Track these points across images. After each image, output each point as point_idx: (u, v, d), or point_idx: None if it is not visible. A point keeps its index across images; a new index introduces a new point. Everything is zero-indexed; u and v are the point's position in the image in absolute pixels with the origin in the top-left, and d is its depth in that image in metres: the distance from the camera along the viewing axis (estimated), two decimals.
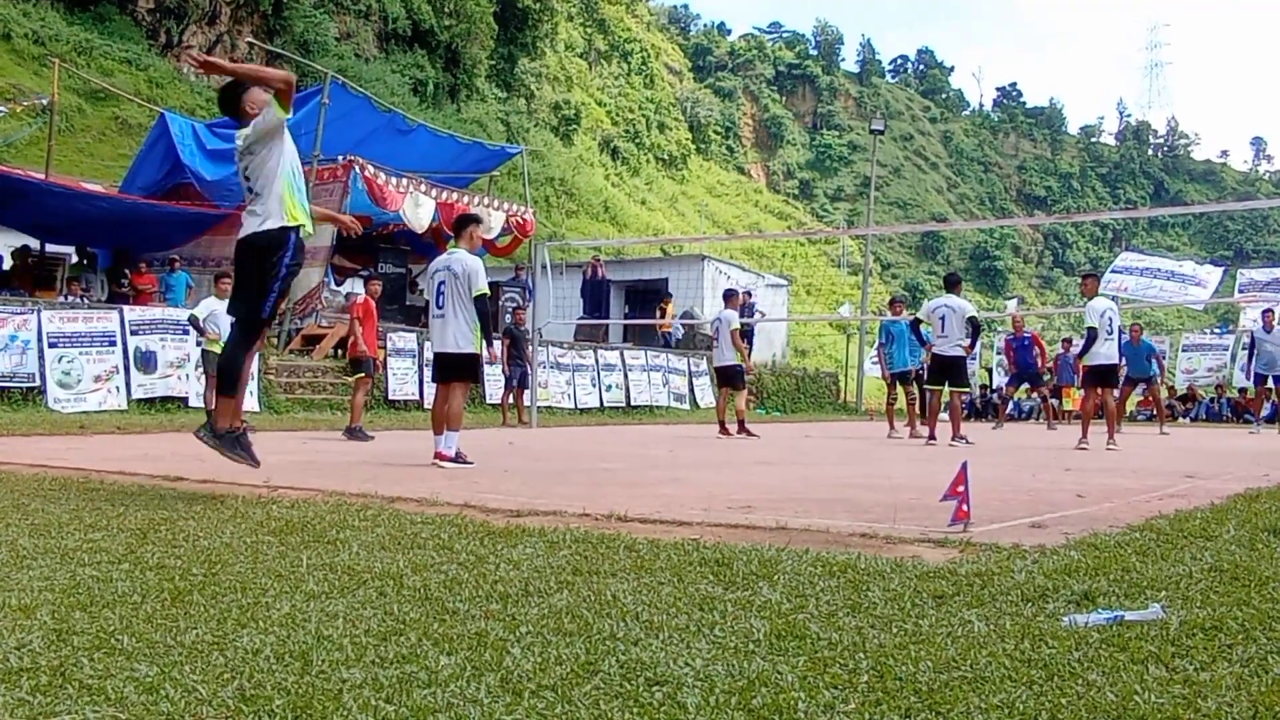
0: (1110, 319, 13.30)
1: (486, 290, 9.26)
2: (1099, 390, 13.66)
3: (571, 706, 2.31)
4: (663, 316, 28.61)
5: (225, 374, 6.87)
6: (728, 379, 16.27)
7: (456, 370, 9.35)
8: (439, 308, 9.28)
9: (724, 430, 15.65)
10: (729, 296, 16.32)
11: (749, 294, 30.64)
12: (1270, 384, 20.12)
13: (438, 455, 9.08)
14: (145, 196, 21.03)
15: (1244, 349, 21.86)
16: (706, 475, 8.61)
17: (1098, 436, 13.31)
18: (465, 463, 8.99)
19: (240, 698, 2.34)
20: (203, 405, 15.35)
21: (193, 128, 20.71)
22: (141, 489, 6.53)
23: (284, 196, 6.31)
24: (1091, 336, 13.33)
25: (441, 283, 9.24)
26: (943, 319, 13.94)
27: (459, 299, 9.16)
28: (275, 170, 6.26)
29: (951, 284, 14.67)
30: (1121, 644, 2.82)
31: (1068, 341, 21.14)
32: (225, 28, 37.23)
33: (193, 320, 14.96)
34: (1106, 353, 13.26)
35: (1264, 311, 21.31)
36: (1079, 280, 14.79)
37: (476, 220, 9.79)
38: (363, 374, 14.37)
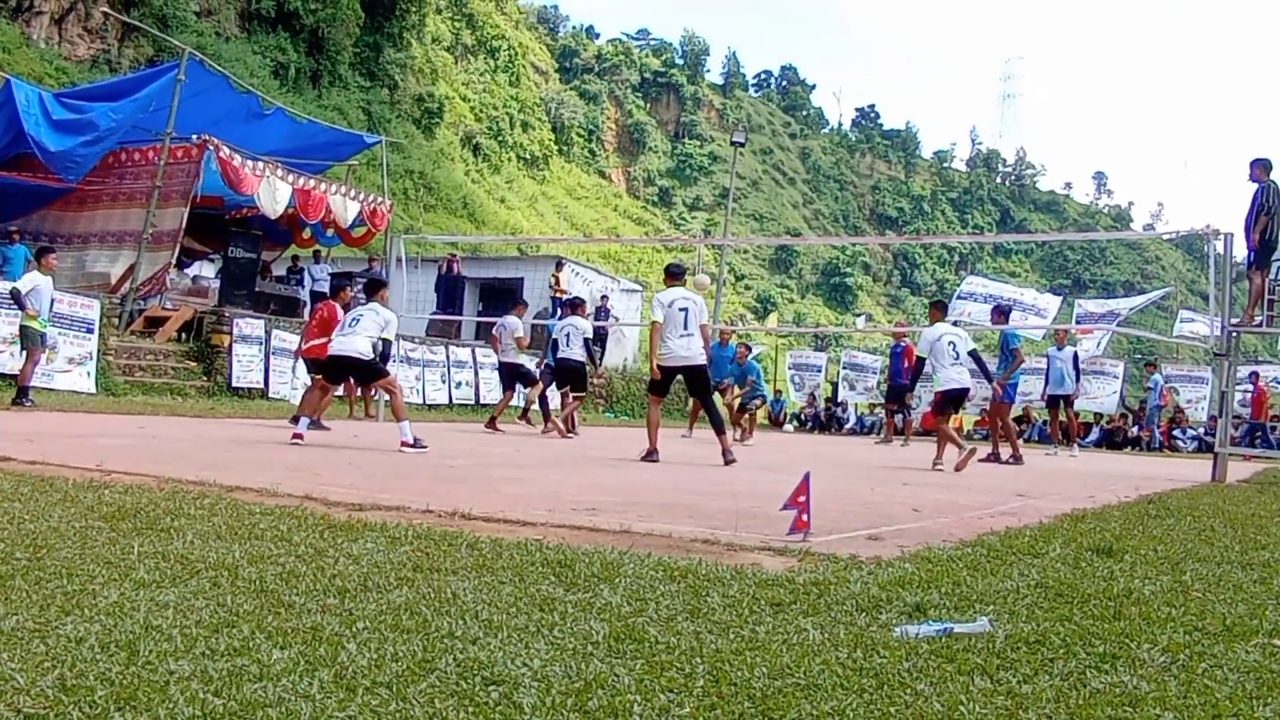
0: (953, 344, 12.88)
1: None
2: (952, 413, 13.81)
3: (406, 704, 2.29)
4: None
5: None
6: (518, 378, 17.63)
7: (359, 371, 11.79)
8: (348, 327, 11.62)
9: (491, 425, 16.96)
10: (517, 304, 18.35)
11: (604, 297, 30.74)
12: (1061, 406, 20.21)
13: (402, 443, 10.70)
14: None
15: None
16: (552, 476, 8.62)
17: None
18: (421, 447, 10.58)
19: (61, 687, 2.27)
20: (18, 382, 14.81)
21: (40, 96, 19.89)
22: None
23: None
24: (919, 364, 13.60)
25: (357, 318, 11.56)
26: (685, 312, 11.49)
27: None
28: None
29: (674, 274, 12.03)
30: (950, 655, 2.90)
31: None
32: None
33: (14, 294, 14.49)
34: (955, 377, 12.89)
35: (1058, 330, 21.85)
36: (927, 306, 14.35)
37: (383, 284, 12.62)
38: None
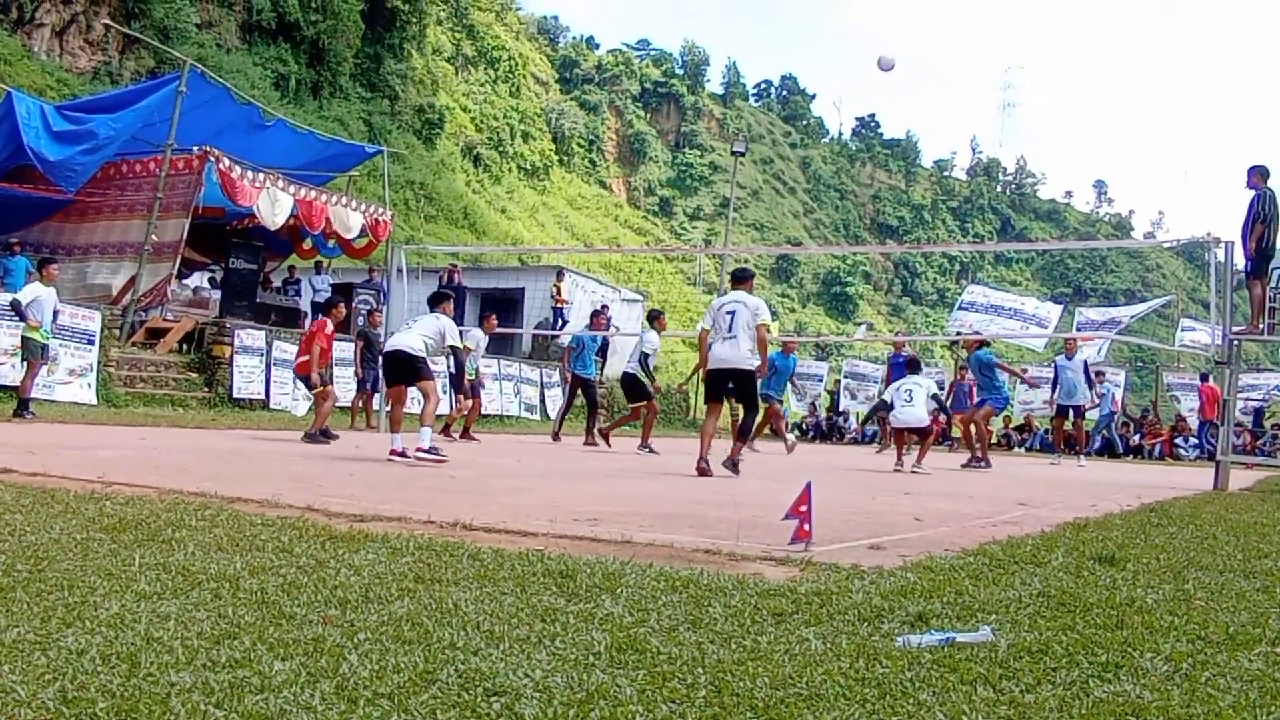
0: (910, 392, 14.25)
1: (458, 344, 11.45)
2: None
3: (408, 715, 2.29)
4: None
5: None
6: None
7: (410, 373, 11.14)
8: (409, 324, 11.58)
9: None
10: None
11: (604, 307, 30.76)
12: (1070, 416, 19.97)
13: (393, 452, 10.58)
14: None
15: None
16: (553, 486, 8.61)
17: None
18: (439, 458, 10.41)
19: (62, 700, 2.26)
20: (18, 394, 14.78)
21: (40, 108, 19.94)
22: None
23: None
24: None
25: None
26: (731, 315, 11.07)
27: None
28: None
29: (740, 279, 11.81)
30: (952, 665, 2.90)
31: (964, 369, 21.46)
32: (81, 8, 35.86)
33: (15, 305, 14.46)
34: (903, 417, 14.34)
35: (1067, 339, 21.79)
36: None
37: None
38: (323, 386, 14.37)
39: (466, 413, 17.33)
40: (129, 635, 2.79)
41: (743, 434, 11.46)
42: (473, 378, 17.23)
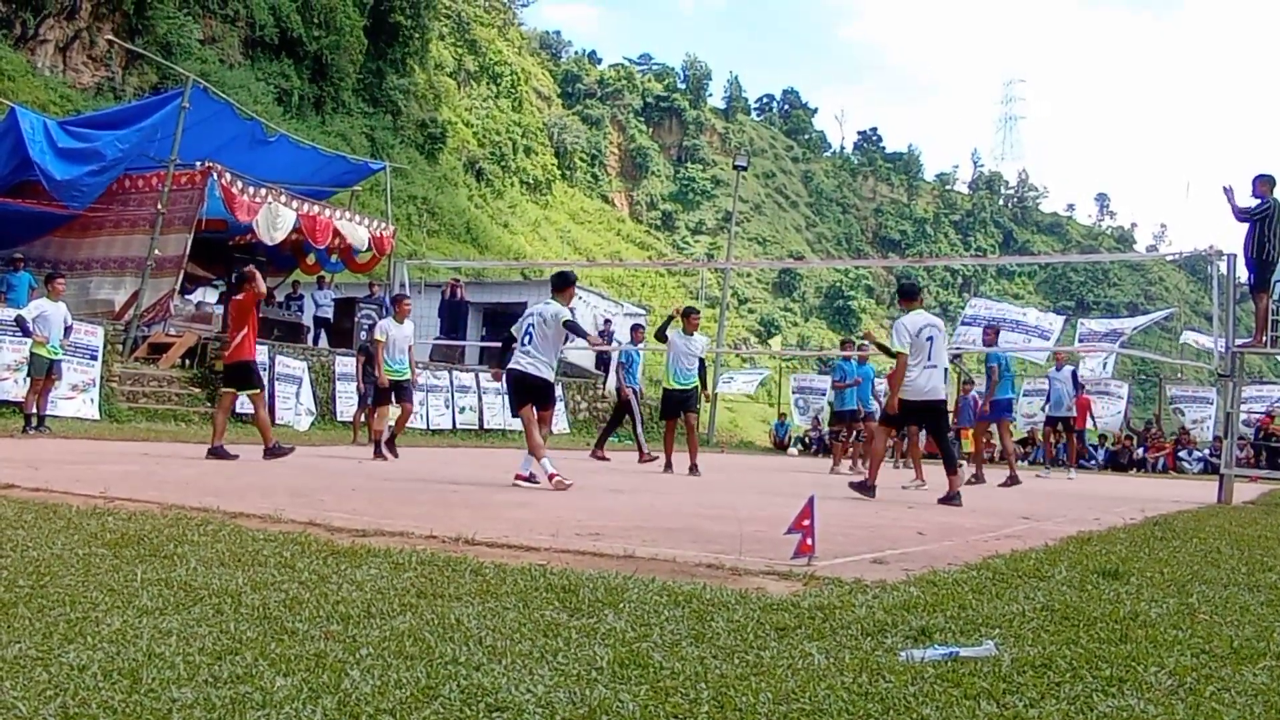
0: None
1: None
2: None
3: None
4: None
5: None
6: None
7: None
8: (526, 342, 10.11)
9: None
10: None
11: (608, 321, 30.76)
12: (1060, 427, 20.28)
13: (550, 476, 9.79)
14: None
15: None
16: (556, 500, 8.59)
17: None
18: (535, 483, 9.78)
19: (63, 716, 2.26)
20: (22, 409, 14.76)
21: (44, 124, 19.98)
22: None
23: None
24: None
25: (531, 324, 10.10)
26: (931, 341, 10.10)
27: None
28: None
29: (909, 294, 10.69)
30: (955, 679, 2.89)
31: (968, 384, 21.44)
32: (85, 24, 35.92)
33: (19, 321, 14.45)
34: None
35: (1057, 351, 21.87)
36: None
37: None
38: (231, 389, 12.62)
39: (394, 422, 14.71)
40: (131, 651, 2.79)
41: (951, 465, 10.30)
42: (405, 379, 14.58)
